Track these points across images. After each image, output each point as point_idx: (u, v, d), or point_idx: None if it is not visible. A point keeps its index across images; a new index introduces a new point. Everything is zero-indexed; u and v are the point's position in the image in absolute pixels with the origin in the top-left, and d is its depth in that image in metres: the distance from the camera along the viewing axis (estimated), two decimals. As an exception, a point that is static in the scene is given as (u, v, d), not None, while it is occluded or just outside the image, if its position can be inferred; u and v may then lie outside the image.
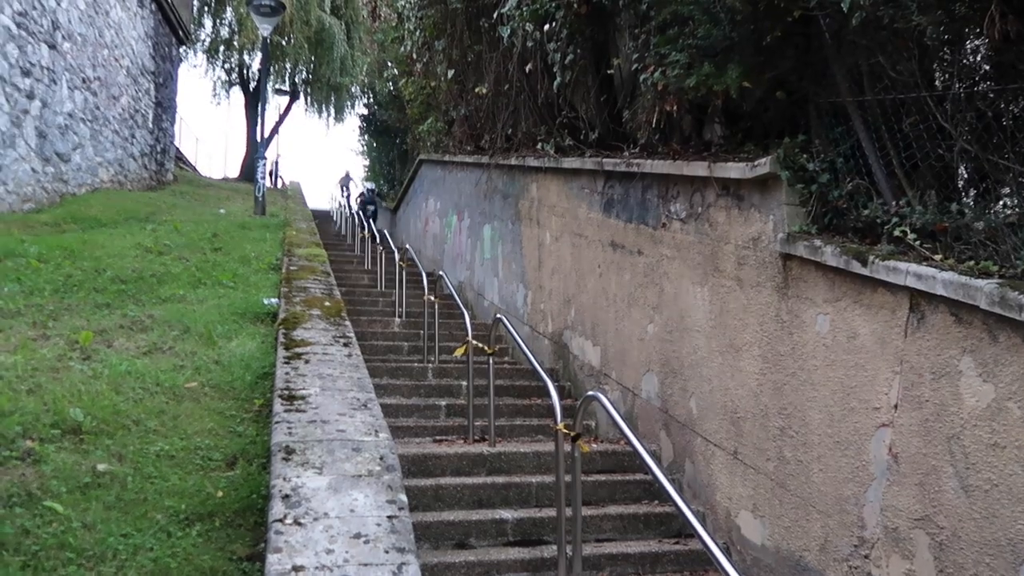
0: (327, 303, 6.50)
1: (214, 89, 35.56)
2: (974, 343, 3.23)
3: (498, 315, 6.32)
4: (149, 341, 5.70)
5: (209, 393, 4.88)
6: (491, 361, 6.01)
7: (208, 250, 9.29)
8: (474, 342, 6.13)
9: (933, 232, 3.68)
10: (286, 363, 4.69)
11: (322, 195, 67.62)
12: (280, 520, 2.85)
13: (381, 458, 3.42)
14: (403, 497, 3.13)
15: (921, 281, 3.44)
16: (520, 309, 8.82)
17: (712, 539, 2.92)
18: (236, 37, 27.27)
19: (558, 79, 7.40)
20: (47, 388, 4.49)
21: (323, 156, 78.23)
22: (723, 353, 4.93)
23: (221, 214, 13.88)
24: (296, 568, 2.58)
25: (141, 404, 4.52)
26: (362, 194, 21.37)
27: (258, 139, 19.69)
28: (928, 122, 3.81)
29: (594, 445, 5.83)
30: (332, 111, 30.90)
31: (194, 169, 27.08)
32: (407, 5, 12.44)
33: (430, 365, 7.54)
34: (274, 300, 6.98)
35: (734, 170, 4.79)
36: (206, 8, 27.50)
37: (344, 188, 24.80)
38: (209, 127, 50.44)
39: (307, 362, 4.74)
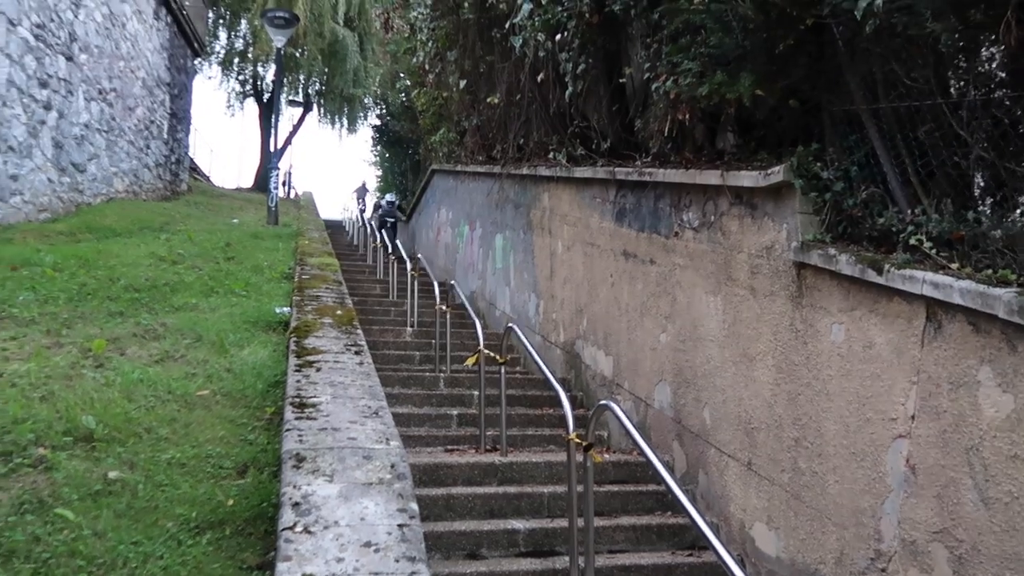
0: (339, 312, 6.50)
1: (228, 100, 36.02)
2: (992, 353, 3.18)
3: (510, 324, 6.30)
4: (161, 349, 5.72)
5: (221, 401, 4.89)
6: (503, 371, 6.00)
7: (221, 259, 9.34)
8: (486, 351, 6.13)
9: (949, 240, 3.64)
10: (297, 371, 4.68)
11: (335, 205, 67.91)
12: (290, 528, 2.83)
13: (392, 466, 3.40)
14: (414, 506, 3.10)
15: (938, 290, 3.39)
16: (532, 319, 8.79)
17: (727, 551, 2.88)
18: (250, 49, 27.60)
19: (570, 88, 7.41)
20: (60, 395, 4.50)
21: (336, 166, 78.66)
22: (736, 363, 4.89)
23: (234, 224, 13.97)
24: (306, 577, 2.56)
25: (153, 412, 4.53)
26: (379, 206, 19.33)
27: (271, 150, 19.84)
28: (944, 130, 3.78)
29: (606, 455, 5.80)
30: (345, 122, 31.15)
31: (208, 179, 27.28)
32: (419, 16, 12.51)
33: (442, 374, 7.53)
34: (286, 309, 7.01)
35: (747, 178, 4.77)
36: (221, 21, 27.84)
37: (360, 199, 24.74)
38: (223, 138, 50.93)
39: (318, 370, 4.74)
